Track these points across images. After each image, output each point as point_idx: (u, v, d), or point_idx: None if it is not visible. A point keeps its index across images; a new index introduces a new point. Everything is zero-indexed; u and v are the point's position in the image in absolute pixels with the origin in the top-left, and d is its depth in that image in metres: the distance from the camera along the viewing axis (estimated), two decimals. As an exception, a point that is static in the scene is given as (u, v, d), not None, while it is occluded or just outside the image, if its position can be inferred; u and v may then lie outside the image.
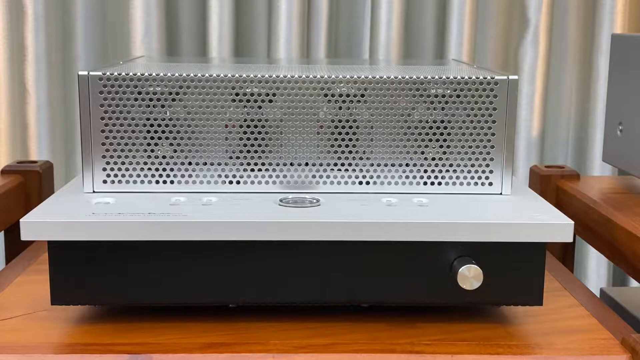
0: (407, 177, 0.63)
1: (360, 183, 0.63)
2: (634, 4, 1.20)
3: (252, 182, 0.63)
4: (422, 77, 0.62)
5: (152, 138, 0.62)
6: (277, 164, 0.63)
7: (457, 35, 1.15)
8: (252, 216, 0.55)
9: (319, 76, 0.61)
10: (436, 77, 0.62)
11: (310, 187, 0.63)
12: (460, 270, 0.55)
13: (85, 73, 0.61)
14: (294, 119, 0.62)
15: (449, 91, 0.62)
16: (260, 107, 0.62)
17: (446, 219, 0.56)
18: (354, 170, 0.63)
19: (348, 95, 0.62)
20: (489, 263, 0.56)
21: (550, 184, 0.87)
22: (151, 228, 0.54)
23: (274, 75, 0.61)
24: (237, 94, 0.62)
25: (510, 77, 0.62)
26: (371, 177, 0.63)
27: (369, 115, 0.62)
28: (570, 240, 0.56)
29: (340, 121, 0.62)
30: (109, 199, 0.60)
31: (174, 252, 0.55)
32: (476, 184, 0.63)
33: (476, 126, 0.63)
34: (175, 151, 0.62)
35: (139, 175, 0.62)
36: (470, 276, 0.55)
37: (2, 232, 0.84)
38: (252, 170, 0.63)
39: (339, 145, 0.63)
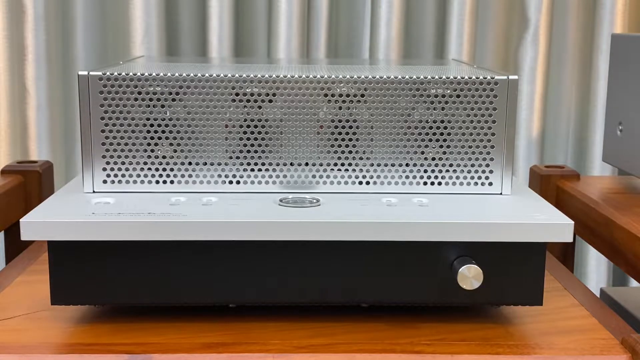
0: (407, 177, 0.63)
1: (360, 183, 0.63)
2: (634, 4, 1.20)
3: (252, 182, 0.63)
4: (422, 77, 0.62)
5: (152, 138, 0.62)
6: (277, 164, 0.63)
7: (457, 35, 1.15)
8: (252, 216, 0.55)
9: (319, 76, 0.61)
10: (436, 77, 0.62)
11: (310, 187, 0.63)
12: (460, 270, 0.55)
13: (85, 73, 0.61)
14: (294, 119, 0.62)
15: (449, 91, 0.62)
16: (260, 107, 0.62)
17: (446, 219, 0.56)
18: (354, 170, 0.63)
19: (348, 95, 0.62)
20: (489, 263, 0.56)
21: (550, 184, 0.87)
22: (151, 228, 0.54)
23: (274, 75, 0.61)
24: (237, 94, 0.62)
25: (510, 77, 0.62)
26: (371, 177, 0.63)
27: (369, 115, 0.62)
28: (570, 240, 0.56)
29: (340, 121, 0.62)
30: (109, 199, 0.60)
31: (174, 252, 0.55)
32: (476, 184, 0.63)
33: (476, 126, 0.63)
34: (175, 151, 0.62)
35: (139, 175, 0.62)
36: (470, 276, 0.55)
37: (2, 232, 0.84)
38: (252, 170, 0.63)
39: (339, 145, 0.63)
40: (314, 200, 0.60)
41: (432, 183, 0.63)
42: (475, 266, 0.55)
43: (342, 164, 0.63)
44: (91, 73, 0.61)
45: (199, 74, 0.61)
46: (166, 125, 0.62)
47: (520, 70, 1.18)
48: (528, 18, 1.17)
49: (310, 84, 0.62)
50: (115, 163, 0.62)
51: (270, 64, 0.75)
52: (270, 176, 0.63)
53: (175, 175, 0.62)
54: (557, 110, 1.23)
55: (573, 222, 0.56)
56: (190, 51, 1.17)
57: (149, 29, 1.11)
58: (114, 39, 1.14)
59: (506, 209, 0.59)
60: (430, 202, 0.60)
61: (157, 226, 0.54)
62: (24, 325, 0.58)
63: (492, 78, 0.62)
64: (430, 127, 0.63)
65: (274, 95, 0.62)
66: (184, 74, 0.61)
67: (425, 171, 0.63)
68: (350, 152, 0.63)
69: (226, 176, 0.63)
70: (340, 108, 0.62)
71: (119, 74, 0.61)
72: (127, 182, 0.62)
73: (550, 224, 0.56)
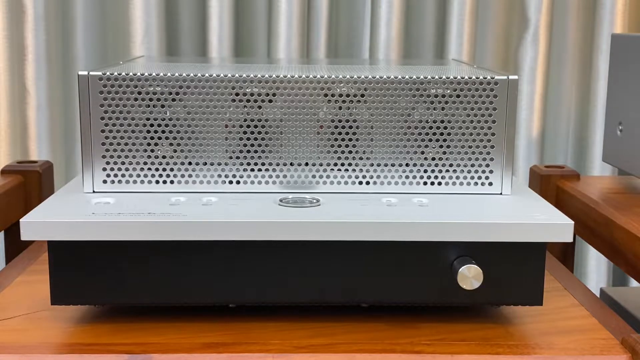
0: (407, 177, 0.63)
1: (360, 183, 0.63)
2: (634, 4, 1.20)
3: (252, 182, 0.63)
4: (422, 77, 0.62)
5: (152, 138, 0.62)
6: (277, 164, 0.63)
7: (457, 35, 1.15)
8: (252, 216, 0.55)
9: (319, 76, 0.61)
10: (436, 77, 0.62)
11: (310, 187, 0.63)
12: (460, 270, 0.55)
13: (85, 73, 0.61)
14: (294, 119, 0.62)
15: (449, 91, 0.62)
16: (260, 107, 0.62)
17: (446, 219, 0.56)
18: (354, 170, 0.63)
19: (348, 95, 0.62)
20: (489, 263, 0.56)
21: (550, 184, 0.87)
22: (151, 228, 0.54)
23: (274, 75, 0.61)
24: (237, 94, 0.62)
25: (510, 77, 0.62)
26: (371, 177, 0.63)
27: (369, 115, 0.62)
28: (570, 240, 0.56)
29: (340, 121, 0.62)
30: (109, 199, 0.60)
31: (174, 252, 0.55)
32: (476, 184, 0.63)
33: (476, 126, 0.63)
34: (175, 151, 0.62)
35: (139, 175, 0.62)
36: (470, 276, 0.55)
37: (2, 232, 0.84)
38: (252, 170, 0.63)
39: (339, 145, 0.63)
40: (314, 200, 0.60)
41: (432, 183, 0.63)
42: (475, 266, 0.55)
43: (342, 164, 0.63)
44: (91, 73, 0.61)
45: (199, 74, 0.61)
46: (166, 125, 0.62)
47: (520, 70, 1.18)
48: (528, 18, 1.17)
49: (310, 84, 0.62)
50: (115, 163, 0.62)
51: (270, 64, 0.75)
52: (270, 176, 0.63)
53: (175, 175, 0.62)
54: (557, 110, 1.23)
55: (573, 222, 0.56)
56: (190, 51, 1.17)
57: (149, 29, 1.11)
58: (114, 39, 1.14)
59: (506, 209, 0.59)
60: (430, 202, 0.60)
61: (157, 226, 0.54)
62: (24, 325, 0.58)
63: (492, 78, 0.62)
64: (430, 127, 0.63)
65: (274, 95, 0.62)
66: (184, 74, 0.61)
67: (425, 171, 0.63)
68: (350, 152, 0.63)
69: (226, 176, 0.63)
70: (340, 108, 0.62)
71: (119, 74, 0.61)
72: (127, 182, 0.62)
73: (550, 224, 0.56)
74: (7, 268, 0.71)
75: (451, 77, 0.62)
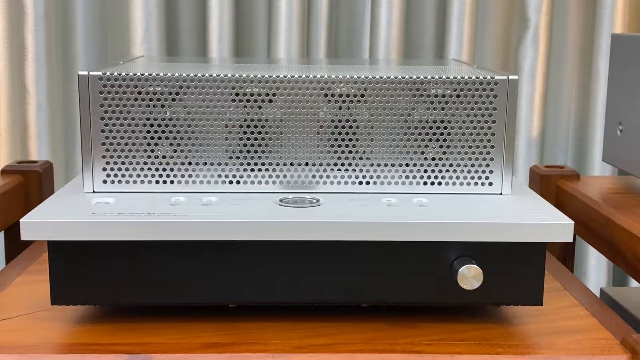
0: (407, 177, 0.63)
1: (360, 183, 0.63)
2: (634, 4, 1.20)
3: (252, 182, 0.63)
4: (422, 77, 0.62)
5: (152, 138, 0.62)
6: (277, 164, 0.63)
7: (457, 35, 1.15)
8: (252, 216, 0.55)
9: (319, 76, 0.61)
10: (436, 77, 0.62)
11: (310, 187, 0.63)
12: (460, 270, 0.55)
13: (85, 73, 0.61)
14: (294, 119, 0.62)
15: (449, 91, 0.62)
16: (260, 107, 0.62)
17: (446, 219, 0.56)
18: (354, 170, 0.63)
19: (348, 95, 0.62)
20: (489, 263, 0.56)
21: (550, 184, 0.87)
22: (151, 228, 0.54)
23: (274, 75, 0.61)
24: (237, 94, 0.62)
25: (510, 77, 0.62)
26: (371, 177, 0.63)
27: (369, 115, 0.62)
28: (570, 240, 0.56)
29: (340, 121, 0.62)
30: (109, 199, 0.60)
31: (174, 252, 0.55)
32: (476, 184, 0.63)
33: (476, 126, 0.63)
34: (175, 151, 0.62)
35: (139, 175, 0.62)
36: (470, 276, 0.55)
37: (2, 232, 0.84)
38: (252, 170, 0.63)
39: (339, 145, 0.63)
40: (314, 200, 0.60)
41: (432, 183, 0.63)
42: (475, 266, 0.55)
43: (342, 164, 0.63)
44: (91, 73, 0.61)
45: (199, 74, 0.61)
46: (166, 125, 0.62)
47: (520, 70, 1.18)
48: (528, 18, 1.17)
49: (310, 84, 0.62)
50: (115, 163, 0.62)
51: (270, 64, 0.75)
52: (270, 176, 0.63)
53: (175, 175, 0.62)
54: (557, 110, 1.23)
55: (573, 222, 0.56)
56: (190, 51, 1.17)
57: (149, 29, 1.11)
58: (114, 39, 1.14)
59: (506, 209, 0.59)
60: (430, 202, 0.60)
61: (157, 226, 0.54)
62: (24, 325, 0.58)
63: (492, 78, 0.62)
64: (430, 127, 0.63)
65: (274, 95, 0.62)
66: (184, 74, 0.61)
67: (425, 171, 0.63)
68: (350, 152, 0.63)
69: (226, 176, 0.63)
70: (340, 108, 0.62)
71: (119, 74, 0.61)
72: (127, 182, 0.62)
73: (550, 224, 0.56)
74: (7, 268, 0.71)
75: (451, 77, 0.62)
